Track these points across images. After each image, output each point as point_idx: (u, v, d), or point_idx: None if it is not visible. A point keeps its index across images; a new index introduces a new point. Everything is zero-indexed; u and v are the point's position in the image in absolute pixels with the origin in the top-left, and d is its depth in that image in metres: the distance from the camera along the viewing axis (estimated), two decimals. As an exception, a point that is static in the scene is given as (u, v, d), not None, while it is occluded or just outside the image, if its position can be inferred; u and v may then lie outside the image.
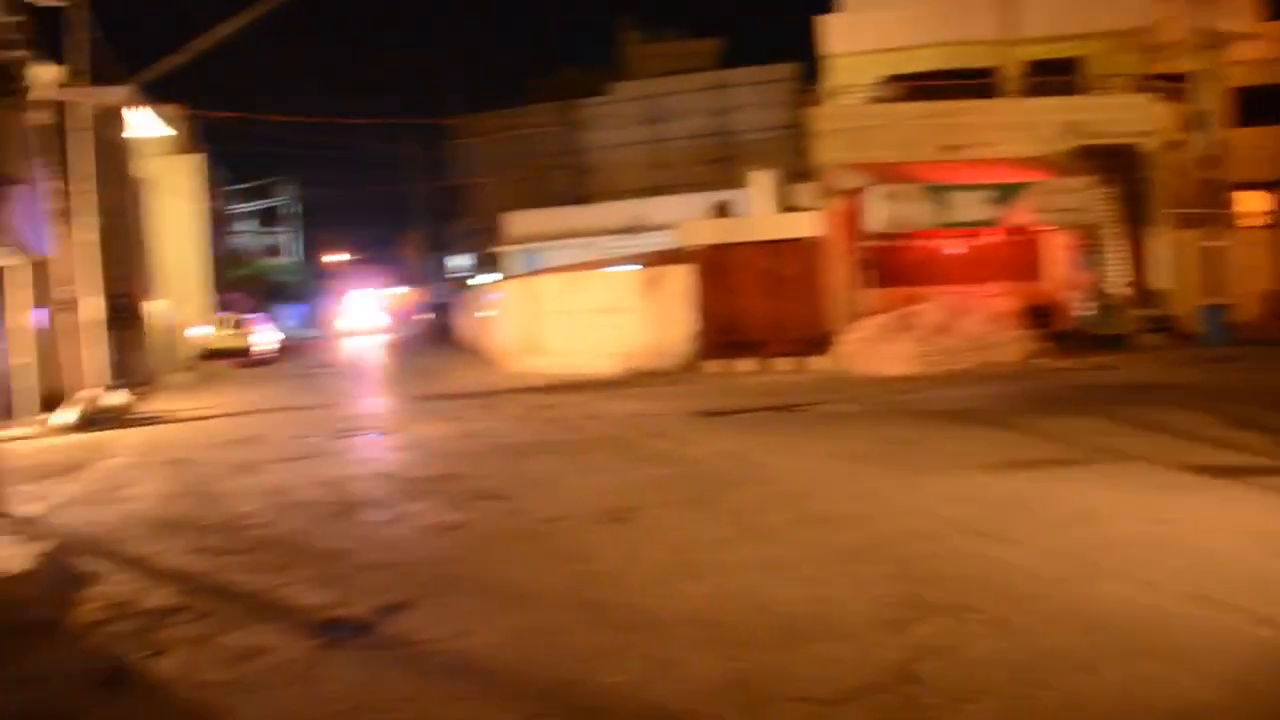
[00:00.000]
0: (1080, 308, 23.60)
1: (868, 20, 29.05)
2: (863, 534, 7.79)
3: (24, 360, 18.03)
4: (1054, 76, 27.52)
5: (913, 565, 6.85)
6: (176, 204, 34.34)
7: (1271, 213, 31.09)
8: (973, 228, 23.01)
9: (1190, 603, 5.83)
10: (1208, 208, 26.10)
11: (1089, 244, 24.38)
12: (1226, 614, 5.61)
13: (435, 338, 48.09)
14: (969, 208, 22.54)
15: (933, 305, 22.07)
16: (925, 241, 23.62)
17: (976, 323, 21.15)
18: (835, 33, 29.39)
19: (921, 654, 5.22)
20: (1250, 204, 31.67)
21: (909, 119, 25.03)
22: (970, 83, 26.88)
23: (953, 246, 23.82)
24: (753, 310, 23.59)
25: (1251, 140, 32.84)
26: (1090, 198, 23.01)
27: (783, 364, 22.60)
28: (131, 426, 17.96)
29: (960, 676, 4.93)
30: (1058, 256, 24.37)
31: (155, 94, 26.75)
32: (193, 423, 18.42)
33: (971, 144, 24.47)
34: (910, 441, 12.17)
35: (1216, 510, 8.04)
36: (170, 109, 33.61)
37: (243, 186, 57.04)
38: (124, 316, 26.59)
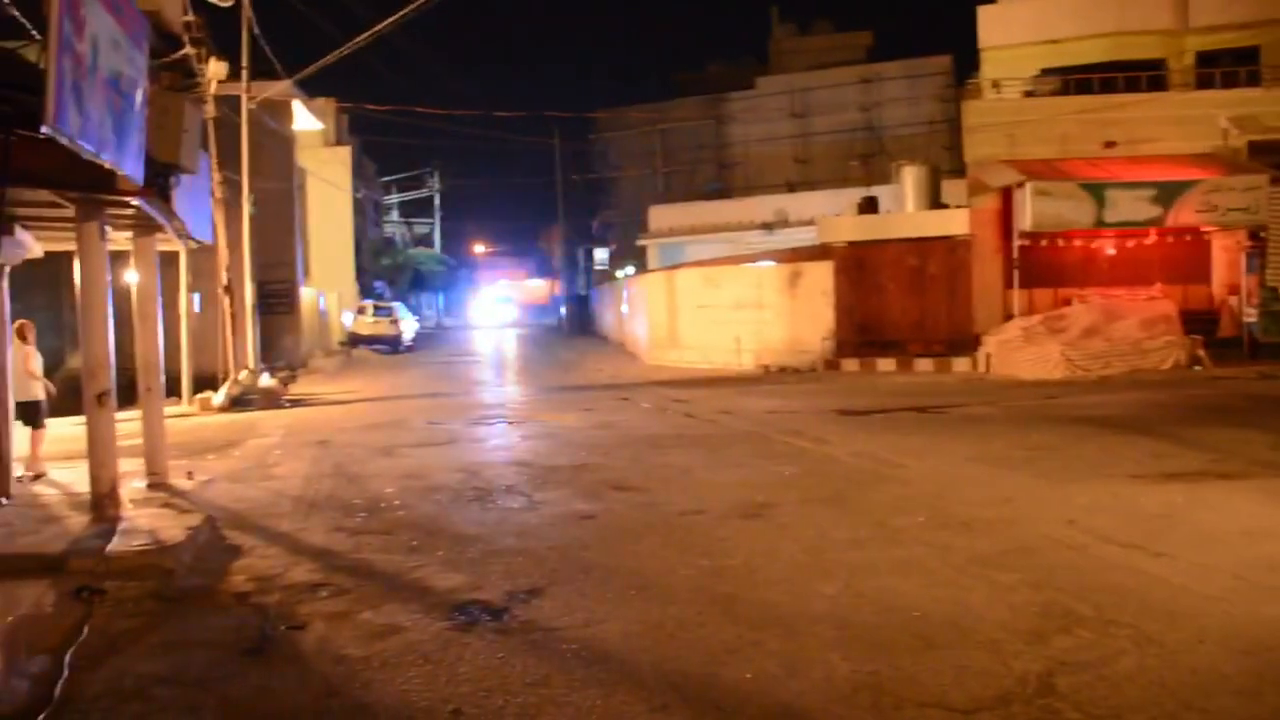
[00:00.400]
0: (1246, 313, 22.34)
1: (1027, 11, 28.12)
2: (1002, 540, 7.53)
3: (183, 342, 18.92)
4: (1227, 68, 26.08)
5: (1055, 575, 6.57)
6: (329, 194, 35.53)
7: None
8: (1131, 227, 22.03)
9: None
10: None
11: (1257, 246, 23.04)
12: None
13: (574, 329, 48.66)
14: (1128, 206, 21.57)
15: (1084, 308, 21.26)
16: (1079, 241, 22.74)
17: (1130, 327, 20.26)
18: (992, 24, 28.53)
19: (1063, 667, 5.00)
20: None
21: (1067, 113, 24.17)
22: (1133, 75, 25.72)
23: (1108, 247, 22.87)
24: (894, 309, 23.11)
25: None
26: (1261, 196, 21.75)
27: (923, 365, 22.10)
28: (280, 408, 18.68)
29: (1103, 692, 4.69)
30: (1222, 259, 23.13)
31: (311, 88, 27.78)
32: (337, 406, 19.03)
33: (1133, 140, 23.44)
34: (1054, 448, 11.73)
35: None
36: (324, 103, 34.87)
37: (391, 178, 58.73)
38: (277, 302, 27.71)
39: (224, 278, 20.07)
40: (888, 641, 5.44)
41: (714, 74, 48.79)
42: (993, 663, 5.09)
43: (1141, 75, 25.83)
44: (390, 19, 19.23)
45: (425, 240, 63.78)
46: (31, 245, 10.44)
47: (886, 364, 22.42)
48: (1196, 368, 19.82)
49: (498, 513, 9.13)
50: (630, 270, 41.67)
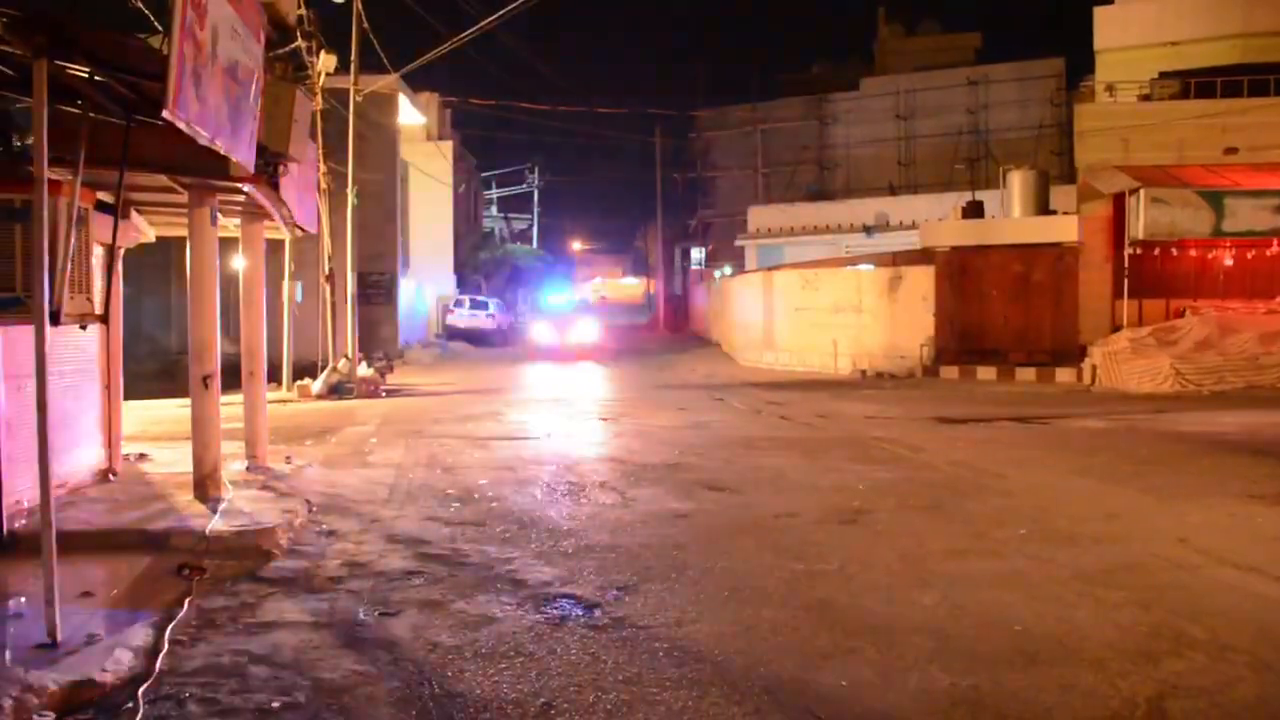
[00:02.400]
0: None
1: (1146, 12, 27.29)
2: (1108, 556, 7.26)
3: (286, 330, 19.35)
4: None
5: (1165, 594, 6.31)
6: (429, 188, 36.05)
7: None
8: (1252, 237, 21.18)
9: None
10: None
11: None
12: None
13: (668, 329, 48.61)
14: (1249, 215, 20.75)
15: (1198, 320, 20.51)
16: (1194, 251, 21.96)
17: (1247, 341, 19.47)
18: (1109, 25, 27.76)
19: (1174, 690, 4.78)
20: None
21: (1185, 118, 23.36)
22: (1259, 79, 24.70)
23: (1226, 257, 22.03)
24: (996, 317, 22.59)
25: None
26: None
27: (1025, 374, 21.56)
28: (377, 397, 18.99)
29: (1218, 719, 4.48)
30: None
31: (415, 83, 28.20)
32: (432, 397, 19.27)
33: (1256, 146, 22.54)
34: (1164, 463, 11.31)
35: None
36: (428, 97, 35.40)
37: (491, 173, 59.41)
38: (376, 293, 28.20)
39: (326, 267, 20.48)
40: (988, 655, 5.27)
41: (818, 74, 48.34)
42: (1099, 682, 4.88)
43: (1269, 79, 24.80)
44: (494, 16, 19.42)
45: (523, 236, 64.42)
46: (145, 229, 10.75)
47: (987, 372, 21.93)
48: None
49: (591, 508, 9.12)
50: (727, 270, 41.48)
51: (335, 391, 18.95)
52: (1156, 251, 21.69)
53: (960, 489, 9.86)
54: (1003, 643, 5.47)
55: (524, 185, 63.82)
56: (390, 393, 19.74)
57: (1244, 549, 7.40)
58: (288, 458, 11.39)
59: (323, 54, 18.81)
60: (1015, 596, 6.29)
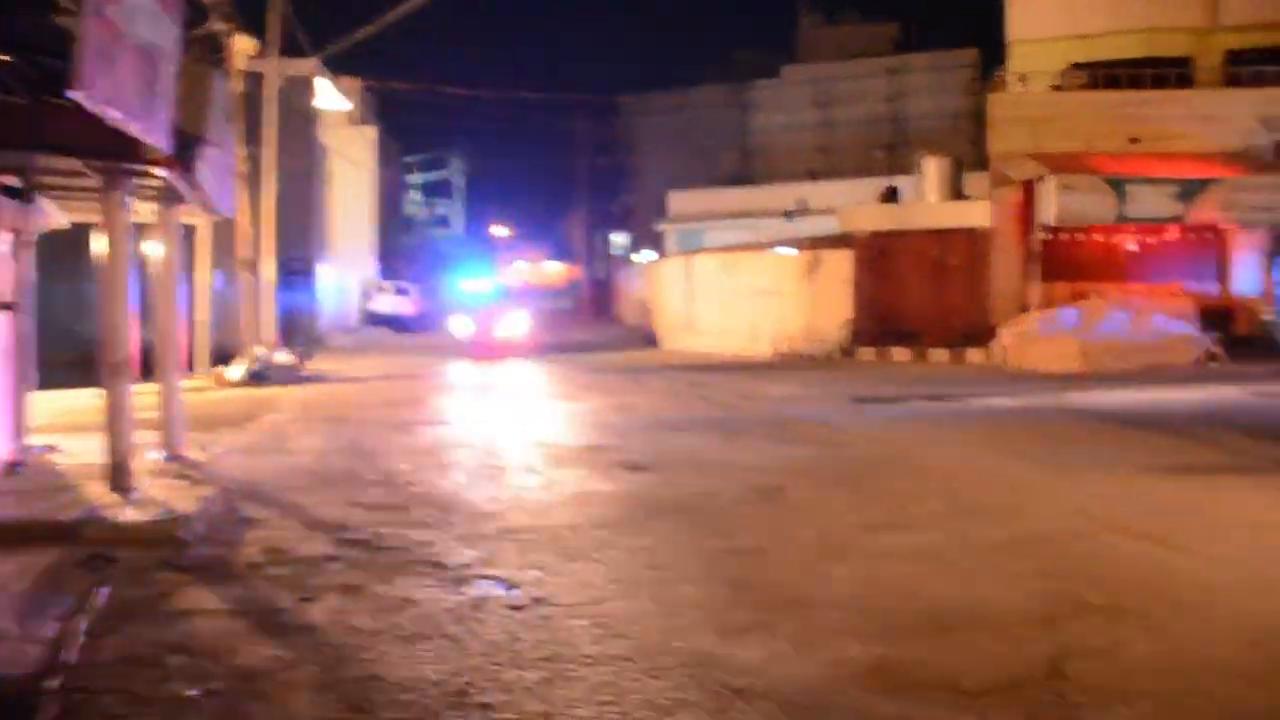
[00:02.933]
0: (1265, 312, 22.21)
1: (1056, 5, 27.85)
2: (1016, 528, 7.52)
3: (203, 316, 19.00)
4: (1256, 67, 25.82)
5: (1068, 563, 6.57)
6: (351, 173, 35.61)
7: None
8: (1153, 223, 21.88)
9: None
10: None
11: (1278, 244, 22.89)
12: None
13: (593, 312, 48.64)
14: (1150, 202, 21.46)
15: (1103, 302, 21.14)
16: (1100, 236, 22.61)
17: (1149, 323, 20.13)
18: (1021, 17, 28.29)
19: (1073, 652, 4.99)
20: None
21: (1093, 108, 23.98)
22: (1161, 72, 25.48)
23: (1130, 242, 22.73)
24: (912, 299, 23.04)
25: None
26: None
27: (939, 355, 22.04)
28: (297, 384, 18.76)
29: (1112, 677, 4.70)
30: (1243, 257, 22.96)
31: (337, 67, 27.80)
32: (354, 383, 19.11)
33: (1159, 136, 23.25)
34: (1069, 439, 11.71)
35: None
36: (348, 81, 34.89)
37: (413, 158, 58.74)
38: (297, 279, 27.82)
39: (245, 253, 20.14)
40: (899, 625, 5.45)
41: (740, 61, 48.60)
42: (1003, 647, 5.08)
43: (1170, 72, 25.60)
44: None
45: (446, 221, 63.86)
46: (55, 215, 10.50)
47: (902, 353, 22.37)
48: (1213, 364, 19.71)
49: (513, 490, 9.16)
50: (649, 255, 41.65)
51: (254, 379, 18.68)
52: (1064, 236, 22.28)
53: (876, 466, 10.10)
54: (914, 613, 5.64)
55: (447, 170, 63.26)
56: (311, 379, 19.51)
57: (1139, 519, 7.71)
58: (204, 446, 11.23)
59: (241, 36, 18.45)
60: (926, 569, 6.49)
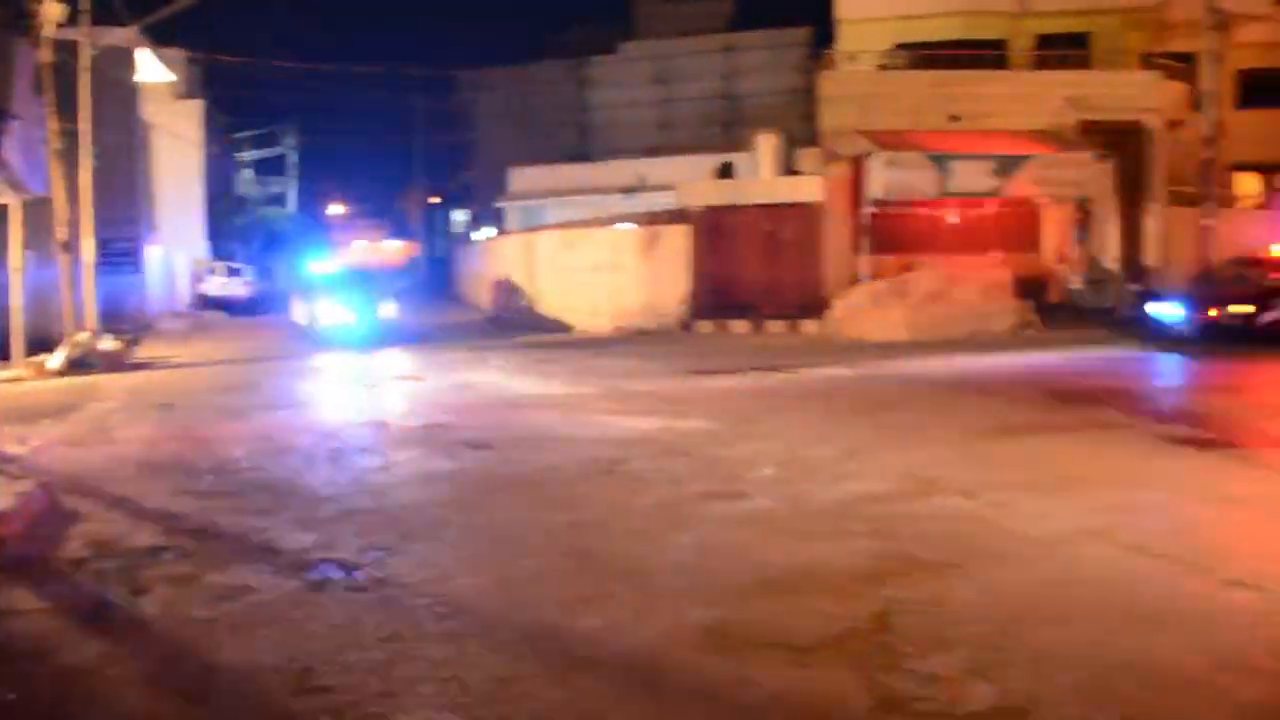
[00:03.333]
0: (1073, 281, 23.62)
1: (883, -15, 28.84)
2: (848, 491, 7.84)
3: (16, 302, 17.99)
4: (1063, 50, 27.34)
5: (895, 523, 6.89)
6: (177, 149, 34.15)
7: (1264, 195, 31.20)
8: (972, 197, 22.95)
9: (1166, 564, 5.89)
10: (1205, 187, 25.95)
11: (1085, 218, 24.34)
12: (1198, 576, 5.67)
13: (434, 291, 47.97)
14: (970, 178, 22.47)
15: (927, 273, 22.05)
16: (924, 210, 23.55)
17: (970, 292, 21.13)
18: (849, -3, 29.21)
19: (899, 607, 5.28)
20: (1246, 186, 31.75)
21: (916, 87, 24.89)
22: (979, 53, 26.69)
23: (951, 215, 23.75)
24: (749, 273, 23.55)
25: (1250, 122, 32.90)
26: (1088, 172, 22.93)
27: (775, 327, 22.60)
28: (123, 371, 17.96)
29: (935, 628, 4.99)
30: (1054, 229, 24.33)
31: (159, 37, 26.57)
32: (184, 369, 18.43)
33: (977, 115, 24.33)
34: (898, 404, 12.22)
35: (1196, 477, 8.11)
36: (173, 53, 33.37)
37: (245, 134, 56.68)
38: (121, 261, 26.57)
39: (62, 233, 19.10)
40: (736, 588, 5.64)
41: (578, 36, 48.52)
42: (833, 605, 5.32)
43: (987, 54, 26.83)
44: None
45: (280, 200, 61.85)
46: None
47: (740, 326, 22.86)
48: (1029, 331, 20.81)
49: (352, 473, 9.04)
50: (490, 232, 41.32)
51: (77, 367, 17.77)
52: (892, 210, 23.11)
53: (713, 436, 10.33)
54: (749, 576, 5.85)
55: (279, 147, 61.22)
56: (139, 366, 18.69)
57: (964, 478, 8.13)
58: (22, 439, 10.67)
59: (50, 2, 17.41)
60: (761, 533, 6.72)
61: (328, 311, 23.42)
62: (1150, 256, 24.68)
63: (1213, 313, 17.69)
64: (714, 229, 23.71)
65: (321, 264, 30.96)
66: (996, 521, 6.94)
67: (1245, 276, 18.81)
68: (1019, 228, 24.03)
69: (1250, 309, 17.36)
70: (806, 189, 23.82)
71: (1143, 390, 13.86)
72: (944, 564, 5.97)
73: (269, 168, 62.13)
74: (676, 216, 24.42)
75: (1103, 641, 4.78)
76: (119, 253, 26.87)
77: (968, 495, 7.61)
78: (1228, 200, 29.35)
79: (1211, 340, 17.23)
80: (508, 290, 29.15)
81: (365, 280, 26.87)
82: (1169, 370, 15.94)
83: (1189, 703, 4.18)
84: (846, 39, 29.49)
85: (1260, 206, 30.79)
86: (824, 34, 33.85)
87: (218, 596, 5.69)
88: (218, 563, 6.33)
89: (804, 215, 23.48)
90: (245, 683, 4.57)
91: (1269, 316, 17.27)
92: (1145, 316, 19.15)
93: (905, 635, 4.89)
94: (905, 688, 4.34)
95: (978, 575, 5.78)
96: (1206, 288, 19.28)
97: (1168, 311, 18.51)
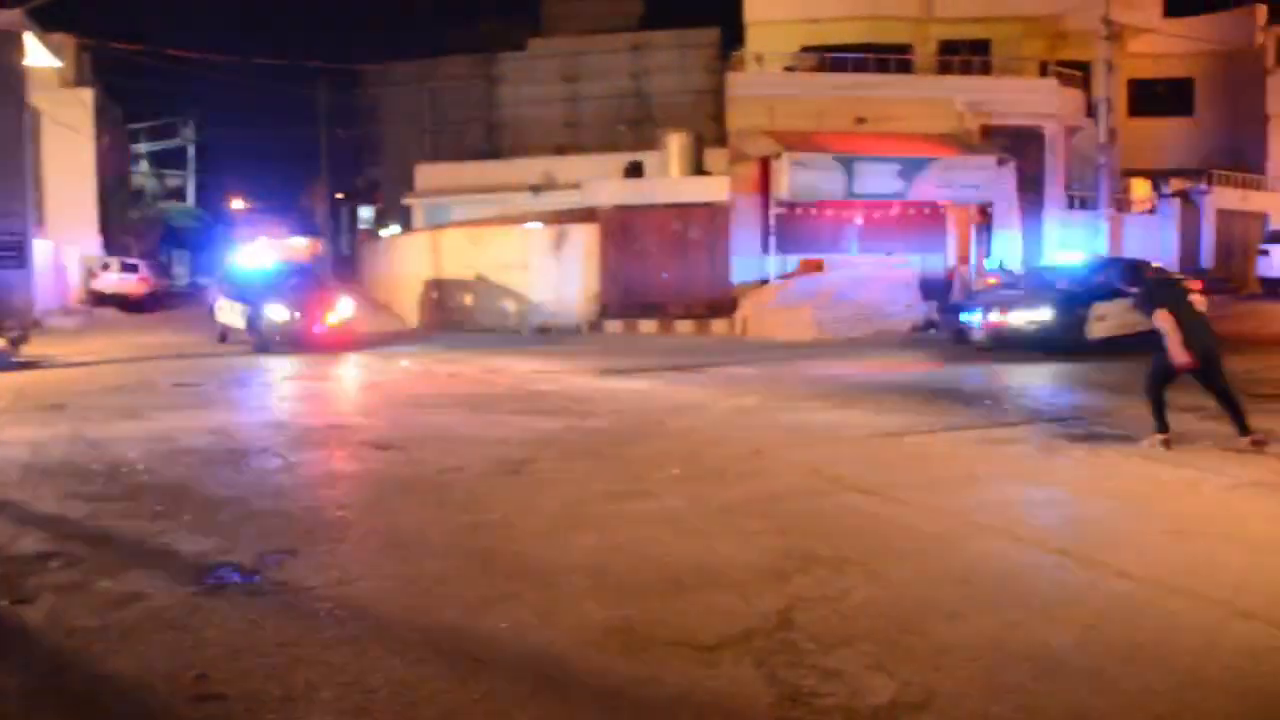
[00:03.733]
0: (975, 283, 24.19)
1: (790, -12, 29.22)
2: (751, 489, 7.92)
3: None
4: (965, 57, 28.03)
5: (800, 520, 6.98)
6: (67, 140, 32.99)
7: (1155, 199, 32.44)
8: (877, 199, 23.35)
9: (1059, 558, 6.06)
10: (1100, 191, 26.87)
11: (986, 220, 24.97)
12: (1091, 568, 5.84)
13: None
14: (875, 179, 22.88)
15: (834, 273, 22.39)
16: (831, 211, 23.90)
17: (875, 292, 21.50)
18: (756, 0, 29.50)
19: (802, 603, 5.34)
20: (1139, 190, 32.95)
21: (822, 90, 25.25)
22: (885, 57, 27.21)
23: (857, 216, 24.14)
24: (657, 272, 23.62)
25: (1142, 130, 34.19)
26: (992, 176, 23.52)
27: (684, 326, 22.73)
28: (8, 370, 17.30)
29: (836, 624, 5.06)
30: (956, 231, 24.90)
31: (46, 21, 25.65)
32: (76, 368, 17.81)
33: (882, 118, 24.79)
34: (803, 402, 12.36)
35: (1090, 471, 8.35)
36: (61, 38, 32.26)
37: (141, 125, 55.05)
38: (5, 255, 25.56)
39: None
40: (640, 587, 5.64)
41: (486, 32, 48.03)
42: (737, 603, 5.36)
43: (891, 58, 27.36)
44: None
45: (178, 194, 60.19)
46: None
47: (648, 325, 22.93)
48: (932, 330, 21.25)
49: (251, 474, 8.83)
50: (395, 230, 40.77)
51: (-43, 366, 17.07)
52: (799, 211, 23.42)
53: (620, 436, 10.34)
54: (654, 575, 5.85)
55: (178, 139, 59.59)
56: (26, 365, 18.00)
57: (867, 475, 8.27)
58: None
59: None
60: (666, 532, 6.73)
61: (276, 312, 20.04)
62: (1049, 258, 25.42)
63: (996, 319, 17.21)
64: (622, 228, 23.74)
65: (256, 259, 28.94)
66: (897, 517, 7.07)
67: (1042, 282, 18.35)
68: (923, 229, 24.54)
69: (1039, 316, 16.71)
70: (714, 189, 23.98)
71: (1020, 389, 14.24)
72: (845, 559, 6.05)
73: (168, 160, 60.50)
74: (585, 215, 24.39)
75: (1000, 634, 4.90)
76: (2, 246, 25.84)
77: (870, 492, 7.74)
78: (1123, 204, 30.47)
79: (1003, 347, 16.93)
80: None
81: (304, 277, 23.66)
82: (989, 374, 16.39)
83: (1081, 692, 4.30)
84: (755, 40, 29.83)
85: (1152, 210, 31.99)
86: (732, 35, 34.15)
87: (108, 604, 5.50)
88: (109, 569, 6.11)
89: (712, 215, 23.64)
90: (135, 693, 4.43)
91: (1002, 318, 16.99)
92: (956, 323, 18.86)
93: (808, 631, 4.95)
94: (808, 683, 4.38)
95: (879, 571, 5.87)
96: (997, 295, 18.85)
97: (969, 319, 18.07)
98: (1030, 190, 26.20)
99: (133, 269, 35.72)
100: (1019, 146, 25.82)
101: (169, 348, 21.42)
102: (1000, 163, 23.85)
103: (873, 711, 4.15)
